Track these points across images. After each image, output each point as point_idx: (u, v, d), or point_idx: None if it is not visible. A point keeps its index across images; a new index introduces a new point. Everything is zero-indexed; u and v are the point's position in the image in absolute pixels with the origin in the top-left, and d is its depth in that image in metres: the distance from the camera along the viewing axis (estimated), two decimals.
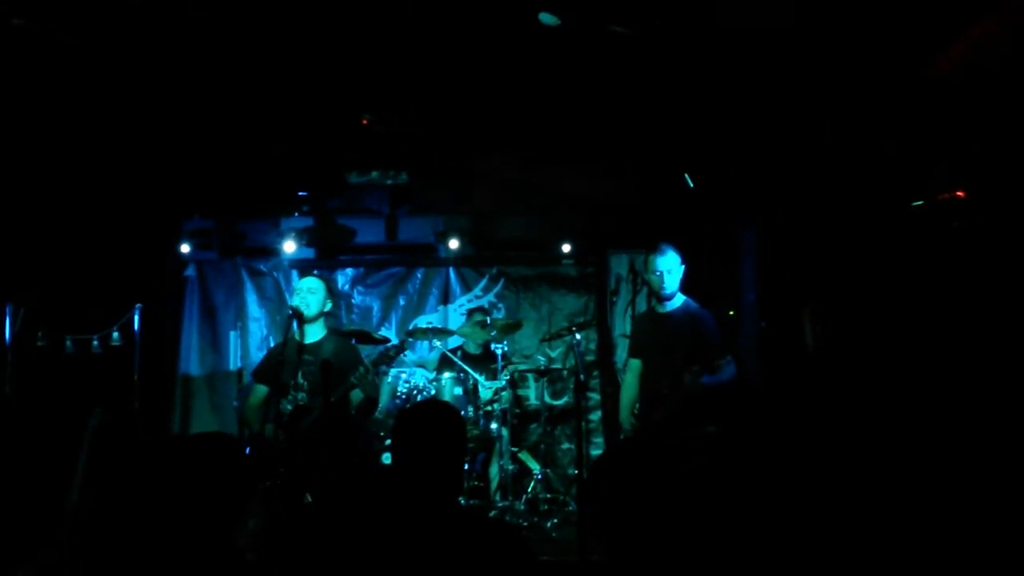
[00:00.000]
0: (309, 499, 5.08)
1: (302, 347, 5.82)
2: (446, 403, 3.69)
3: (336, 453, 4.08)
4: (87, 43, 5.69)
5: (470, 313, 7.93)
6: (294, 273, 8.35)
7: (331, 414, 5.34)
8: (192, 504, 2.72)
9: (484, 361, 7.54)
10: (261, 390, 5.95)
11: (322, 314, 5.94)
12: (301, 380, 5.77)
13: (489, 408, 7.19)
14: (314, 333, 5.89)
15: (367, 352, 7.41)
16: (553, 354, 8.44)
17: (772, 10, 4.82)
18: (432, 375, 7.38)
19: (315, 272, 6.69)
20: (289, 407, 5.68)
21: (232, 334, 8.31)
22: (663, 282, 5.84)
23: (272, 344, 7.80)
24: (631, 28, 5.12)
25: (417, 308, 8.61)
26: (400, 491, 2.80)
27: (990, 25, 4.33)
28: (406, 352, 7.48)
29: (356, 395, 5.80)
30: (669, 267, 5.83)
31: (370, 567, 2.67)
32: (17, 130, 6.54)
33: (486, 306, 8.26)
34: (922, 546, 4.23)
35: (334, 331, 6.23)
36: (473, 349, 7.69)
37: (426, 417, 2.97)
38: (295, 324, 5.83)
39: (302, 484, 5.14)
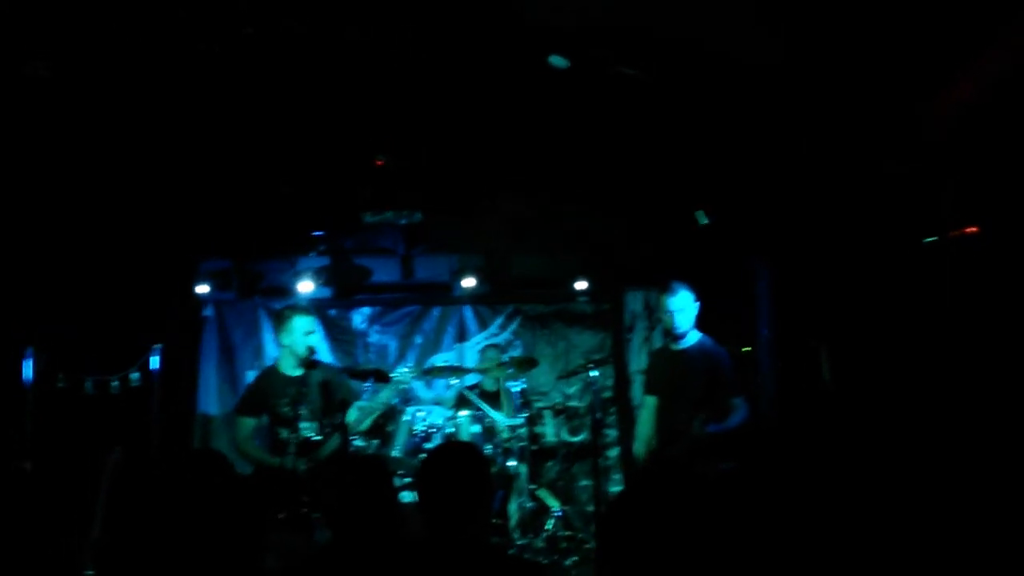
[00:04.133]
0: (328, 532, 5.10)
1: (292, 379, 5.94)
2: (472, 445, 3.73)
3: (357, 487, 4.09)
4: (107, 86, 5.78)
5: (485, 350, 7.95)
6: None
7: (346, 445, 5.46)
8: (207, 534, 2.74)
9: (501, 398, 7.54)
10: (248, 423, 6.07)
11: None
12: (303, 411, 5.86)
13: (507, 445, 7.18)
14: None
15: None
16: (570, 391, 8.45)
17: (769, 48, 4.88)
18: (450, 413, 7.39)
19: (304, 308, 6.66)
20: (290, 436, 5.78)
21: (250, 373, 8.33)
22: (674, 321, 5.88)
23: None
24: (641, 70, 5.18)
25: (434, 346, 8.63)
26: (428, 530, 2.83)
27: (989, 60, 4.38)
28: (410, 387, 7.55)
29: (349, 415, 5.94)
30: (680, 306, 5.86)
31: None
32: (37, 173, 6.62)
33: (502, 343, 8.29)
34: None
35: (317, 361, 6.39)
36: (490, 387, 7.71)
37: (454, 459, 3.01)
38: (280, 359, 6.15)
39: (321, 516, 5.17)
